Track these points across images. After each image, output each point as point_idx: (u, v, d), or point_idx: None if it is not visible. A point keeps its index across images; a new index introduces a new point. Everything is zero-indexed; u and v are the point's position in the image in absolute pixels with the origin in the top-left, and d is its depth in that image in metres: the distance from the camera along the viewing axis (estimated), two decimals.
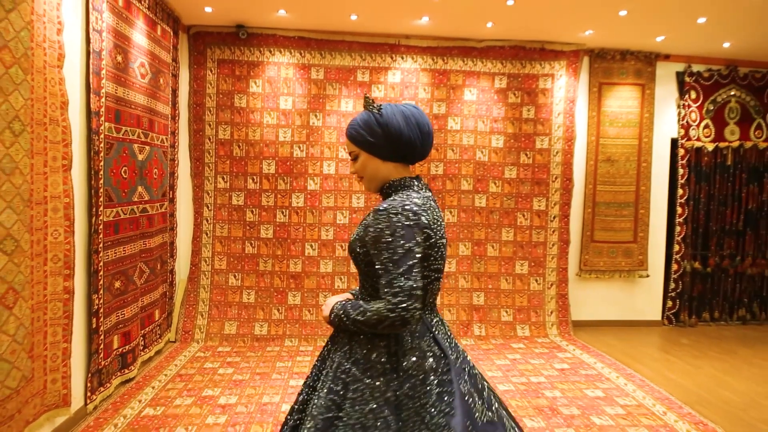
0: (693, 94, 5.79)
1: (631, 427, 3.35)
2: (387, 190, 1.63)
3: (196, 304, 5.10)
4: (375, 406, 1.44)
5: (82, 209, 3.21)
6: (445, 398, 1.46)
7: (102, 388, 3.47)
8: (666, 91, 5.80)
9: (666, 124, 5.83)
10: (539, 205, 5.58)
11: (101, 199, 3.39)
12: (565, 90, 5.56)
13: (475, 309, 5.42)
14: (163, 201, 4.56)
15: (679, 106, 5.82)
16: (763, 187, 6.00)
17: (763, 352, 5.06)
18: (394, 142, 1.58)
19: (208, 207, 5.23)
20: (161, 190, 4.52)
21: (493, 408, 1.55)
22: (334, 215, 5.32)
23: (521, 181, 5.55)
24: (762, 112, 5.91)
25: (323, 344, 4.81)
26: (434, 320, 1.61)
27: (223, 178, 5.23)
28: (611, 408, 3.65)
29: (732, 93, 5.85)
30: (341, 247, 5.32)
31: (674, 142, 5.88)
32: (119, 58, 3.63)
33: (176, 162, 4.95)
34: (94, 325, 3.33)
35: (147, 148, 4.14)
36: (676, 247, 5.87)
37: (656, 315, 5.96)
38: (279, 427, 1.81)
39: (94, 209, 3.30)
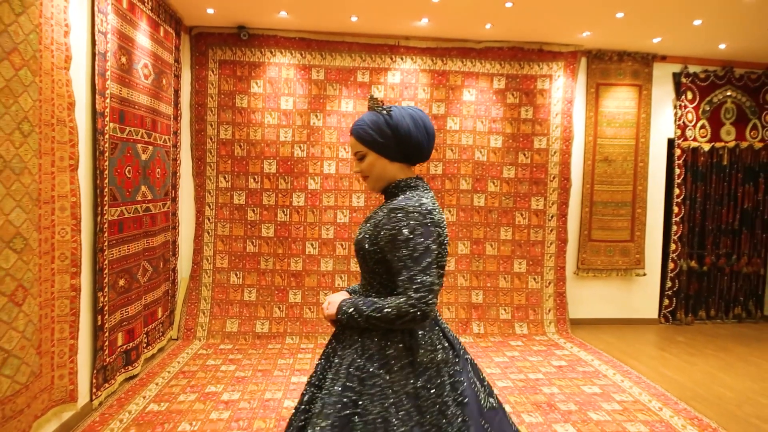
0: (689, 95, 5.86)
1: (627, 423, 3.41)
2: (393, 189, 1.66)
3: (197, 302, 5.16)
4: (396, 399, 1.47)
5: (87, 208, 3.26)
6: (458, 388, 1.55)
7: (107, 385, 3.53)
8: (663, 91, 5.87)
9: (663, 125, 5.90)
10: (537, 205, 5.64)
11: (106, 198, 3.44)
12: (563, 91, 5.62)
13: (474, 307, 5.49)
14: (165, 200, 4.61)
15: (675, 107, 5.89)
16: (759, 186, 6.07)
17: (758, 349, 5.13)
18: (403, 144, 1.62)
19: (209, 206, 5.28)
20: (164, 189, 4.57)
21: (494, 395, 1.64)
22: (335, 214, 5.38)
23: (519, 181, 5.61)
24: (757, 113, 5.98)
25: (324, 342, 4.88)
26: (438, 314, 1.67)
27: (224, 178, 5.28)
28: (608, 404, 3.71)
29: (728, 94, 5.91)
30: (341, 245, 5.38)
31: (671, 143, 5.94)
32: (123, 60, 3.68)
33: (178, 161, 5.00)
34: (99, 323, 3.38)
35: (150, 147, 4.20)
36: (673, 246, 5.94)
37: (653, 313, 6.03)
38: (282, 423, 1.81)
39: (99, 208, 3.35)
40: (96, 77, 3.29)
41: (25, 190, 2.55)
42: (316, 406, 1.55)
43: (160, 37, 4.39)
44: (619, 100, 5.76)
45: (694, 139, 5.90)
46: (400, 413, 1.46)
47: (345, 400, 1.49)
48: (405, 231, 1.49)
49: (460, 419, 1.50)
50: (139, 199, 4.02)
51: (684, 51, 5.70)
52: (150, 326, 4.32)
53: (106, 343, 3.49)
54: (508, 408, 3.51)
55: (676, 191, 5.91)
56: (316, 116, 5.35)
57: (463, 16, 4.76)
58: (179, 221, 5.07)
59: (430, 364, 1.54)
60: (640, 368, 4.49)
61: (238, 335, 5.06)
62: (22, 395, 2.55)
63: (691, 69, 5.86)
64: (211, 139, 5.26)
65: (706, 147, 5.92)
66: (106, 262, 3.46)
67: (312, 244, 5.36)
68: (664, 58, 5.82)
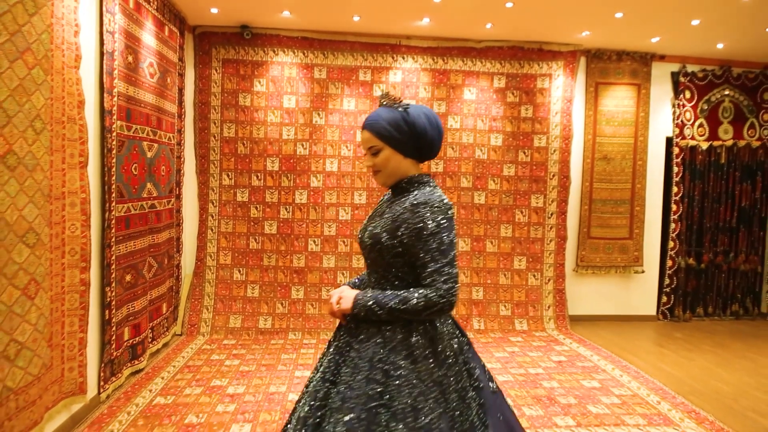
0: (687, 94, 5.92)
1: (626, 416, 3.47)
2: (405, 185, 1.70)
3: (201, 298, 5.22)
4: (424, 388, 1.52)
5: (95, 205, 3.31)
6: (473, 374, 1.63)
7: (114, 378, 3.59)
8: (661, 90, 5.93)
9: (661, 123, 5.96)
10: (537, 202, 5.70)
11: (114, 195, 3.50)
12: (563, 89, 5.68)
13: (474, 303, 5.55)
14: (170, 197, 4.67)
15: (674, 106, 5.95)
16: (756, 185, 6.13)
17: (754, 346, 5.19)
18: (419, 140, 1.67)
19: (213, 203, 5.34)
20: (168, 186, 4.63)
21: (493, 380, 1.72)
22: (337, 212, 5.44)
23: (519, 179, 5.67)
24: (755, 112, 6.05)
25: (326, 338, 4.94)
26: None
27: (227, 175, 5.34)
28: (607, 398, 3.77)
29: (726, 93, 5.98)
30: (343, 242, 5.44)
31: (669, 141, 6.00)
32: (130, 59, 3.73)
33: (182, 159, 5.06)
34: (106, 317, 3.44)
35: (155, 145, 4.25)
36: (671, 244, 6.01)
37: (651, 310, 6.09)
38: (287, 416, 1.79)
39: (107, 205, 3.41)
40: (104, 76, 3.34)
41: (38, 186, 2.61)
42: (333, 401, 1.54)
43: (165, 36, 4.45)
44: (618, 99, 5.82)
45: (692, 138, 5.96)
46: (429, 401, 1.51)
47: (370, 392, 1.50)
48: (432, 224, 1.54)
49: (476, 403, 1.58)
50: (145, 196, 4.08)
51: (682, 50, 5.76)
52: (155, 321, 4.38)
53: (113, 337, 3.55)
54: (509, 401, 3.57)
55: (675, 189, 5.97)
56: (319, 114, 5.40)
57: (463, 16, 4.82)
58: (183, 218, 5.13)
59: (448, 352, 1.61)
60: (639, 363, 4.56)
61: (242, 331, 5.12)
62: (35, 386, 2.61)
63: (690, 68, 5.93)
64: (214, 137, 5.32)
65: (704, 145, 5.98)
66: (113, 257, 3.52)
67: (314, 241, 5.42)
68: (662, 58, 5.88)
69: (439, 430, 1.48)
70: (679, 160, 5.95)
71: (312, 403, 1.60)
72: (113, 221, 3.51)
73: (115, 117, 3.49)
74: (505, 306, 5.59)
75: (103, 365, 3.42)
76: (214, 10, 4.79)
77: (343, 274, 5.44)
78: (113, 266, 3.52)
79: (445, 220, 1.56)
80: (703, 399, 3.81)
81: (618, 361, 4.57)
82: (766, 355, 4.91)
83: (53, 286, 2.79)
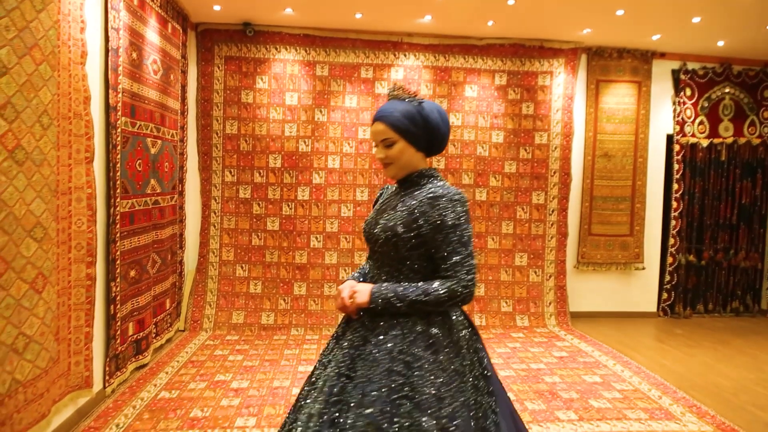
0: (688, 92, 5.94)
1: (628, 410, 3.50)
2: (416, 178, 1.72)
3: (204, 295, 5.24)
4: (446, 378, 1.54)
5: (101, 200, 3.33)
6: (483, 362, 1.68)
7: (119, 373, 3.61)
8: (662, 88, 5.95)
9: (662, 121, 5.98)
10: (538, 199, 5.73)
11: (118, 190, 3.52)
12: (564, 87, 5.70)
13: (476, 300, 5.57)
14: (173, 193, 4.69)
15: (674, 103, 5.98)
16: (757, 182, 6.16)
17: (754, 342, 5.22)
18: (432, 134, 1.69)
19: (215, 200, 5.36)
20: (171, 183, 4.65)
21: (492, 366, 1.76)
22: (339, 208, 5.46)
23: (521, 176, 5.69)
24: (755, 109, 6.07)
25: (329, 333, 4.96)
26: None
27: (230, 172, 5.36)
28: (609, 392, 3.80)
29: (726, 90, 6.00)
30: (346, 239, 5.46)
31: (670, 138, 6.03)
32: (134, 55, 3.75)
33: (185, 156, 5.08)
34: (111, 312, 3.46)
35: (159, 142, 4.27)
36: (672, 241, 6.03)
37: (652, 306, 6.12)
38: (291, 415, 1.72)
39: (112, 200, 3.43)
40: (109, 72, 3.36)
41: (45, 181, 2.63)
42: (352, 396, 1.52)
43: (168, 33, 4.47)
44: (619, 97, 5.84)
45: (693, 135, 5.98)
46: (452, 390, 1.53)
47: (393, 384, 1.50)
48: (451, 217, 1.57)
49: (486, 391, 1.62)
50: (149, 192, 4.10)
51: (683, 48, 5.78)
52: (159, 317, 4.40)
53: (118, 332, 3.57)
54: (511, 396, 3.59)
55: (675, 186, 5.99)
56: (321, 112, 5.42)
57: (465, 14, 4.84)
58: (186, 214, 5.15)
59: (463, 342, 1.65)
60: (640, 359, 4.58)
61: (244, 327, 5.15)
62: (42, 380, 2.63)
63: (690, 66, 5.95)
64: (217, 134, 5.34)
65: (705, 143, 6.00)
66: (118, 252, 3.54)
67: (316, 238, 5.44)
68: (663, 55, 5.91)
69: (462, 418, 1.50)
70: (679, 157, 5.97)
71: (326, 398, 1.54)
72: (118, 217, 3.53)
73: (119, 113, 3.51)
74: (506, 302, 5.62)
75: (108, 360, 3.45)
76: (216, 8, 4.81)
77: (345, 270, 5.46)
78: (118, 261, 3.55)
79: (464, 213, 1.59)
80: (704, 394, 3.84)
81: (619, 357, 4.60)
82: (766, 351, 4.94)
83: (60, 281, 2.81)
